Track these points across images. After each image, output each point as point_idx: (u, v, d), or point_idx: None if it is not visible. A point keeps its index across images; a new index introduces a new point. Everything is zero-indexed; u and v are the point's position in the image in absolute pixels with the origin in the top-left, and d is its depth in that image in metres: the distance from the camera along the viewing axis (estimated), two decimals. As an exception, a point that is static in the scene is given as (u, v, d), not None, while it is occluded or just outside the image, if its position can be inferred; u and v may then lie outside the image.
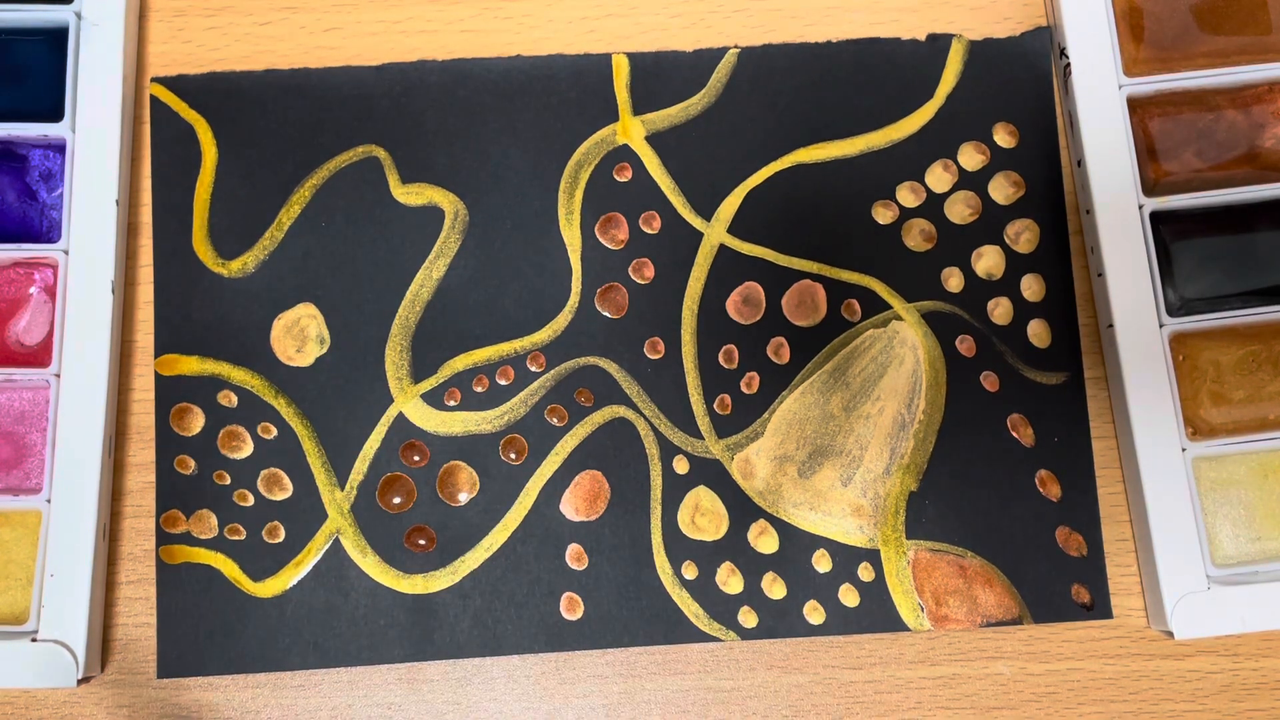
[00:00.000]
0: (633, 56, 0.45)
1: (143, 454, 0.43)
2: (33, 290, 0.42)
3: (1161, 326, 0.42)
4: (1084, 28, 0.44)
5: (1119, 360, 0.42)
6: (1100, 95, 0.43)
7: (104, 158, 0.43)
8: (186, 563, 0.42)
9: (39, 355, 0.42)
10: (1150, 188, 0.43)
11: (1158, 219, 0.43)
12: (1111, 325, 0.42)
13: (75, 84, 0.43)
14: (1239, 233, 0.43)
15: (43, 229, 0.43)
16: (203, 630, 0.42)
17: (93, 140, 0.43)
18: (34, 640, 0.40)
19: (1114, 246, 0.42)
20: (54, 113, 0.43)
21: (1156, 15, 0.44)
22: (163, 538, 0.42)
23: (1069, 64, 0.44)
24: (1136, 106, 0.43)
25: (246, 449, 0.43)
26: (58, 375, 0.41)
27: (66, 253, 0.42)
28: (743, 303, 0.44)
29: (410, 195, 0.44)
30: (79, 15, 0.43)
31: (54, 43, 0.44)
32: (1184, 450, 0.41)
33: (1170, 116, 0.43)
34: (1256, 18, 0.44)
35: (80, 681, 0.40)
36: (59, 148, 0.43)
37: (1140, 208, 0.43)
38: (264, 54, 0.45)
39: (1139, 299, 0.42)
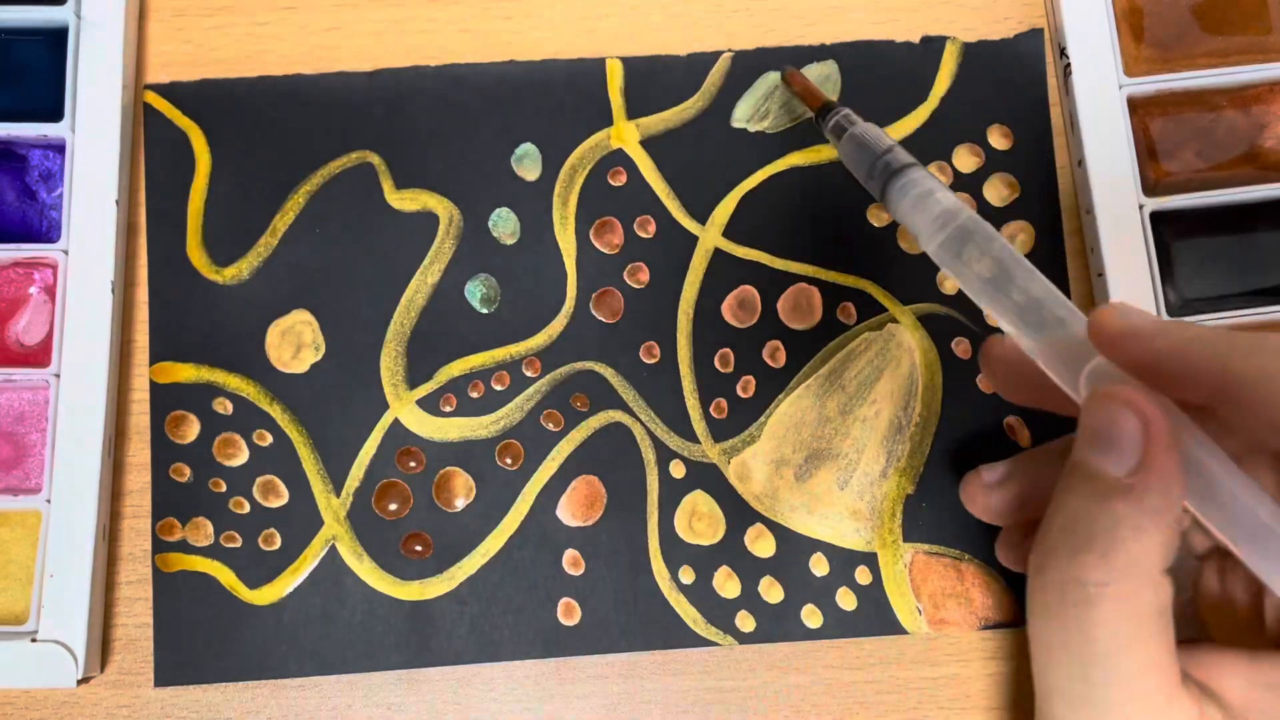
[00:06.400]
0: (627, 61, 0.45)
1: (142, 454, 0.43)
2: (32, 290, 0.42)
3: (1161, 328, 0.42)
4: (1084, 28, 0.43)
5: (1118, 362, 0.42)
6: (1100, 95, 0.43)
7: (103, 158, 0.43)
8: (183, 570, 0.42)
9: (38, 355, 0.42)
10: (1150, 188, 0.43)
11: (1158, 219, 0.42)
12: (1111, 327, 0.42)
13: (75, 84, 0.43)
14: (1239, 233, 0.43)
15: (42, 229, 0.43)
16: (199, 638, 0.42)
17: (92, 140, 0.43)
18: (34, 640, 0.40)
19: (1114, 246, 0.42)
20: (54, 113, 0.43)
21: (1157, 15, 0.44)
22: (159, 545, 0.42)
23: (1069, 64, 0.43)
24: (1137, 106, 0.43)
25: (242, 456, 0.43)
26: (57, 375, 0.41)
27: (66, 253, 0.42)
28: (738, 306, 0.44)
29: (405, 201, 0.44)
30: (78, 15, 0.43)
31: (54, 43, 0.43)
32: (1182, 452, 0.41)
33: (1170, 116, 0.43)
34: (1257, 18, 0.43)
35: (80, 682, 0.40)
36: (59, 148, 0.43)
37: (1140, 208, 0.42)
38: (264, 54, 0.45)
39: (1139, 299, 0.42)
